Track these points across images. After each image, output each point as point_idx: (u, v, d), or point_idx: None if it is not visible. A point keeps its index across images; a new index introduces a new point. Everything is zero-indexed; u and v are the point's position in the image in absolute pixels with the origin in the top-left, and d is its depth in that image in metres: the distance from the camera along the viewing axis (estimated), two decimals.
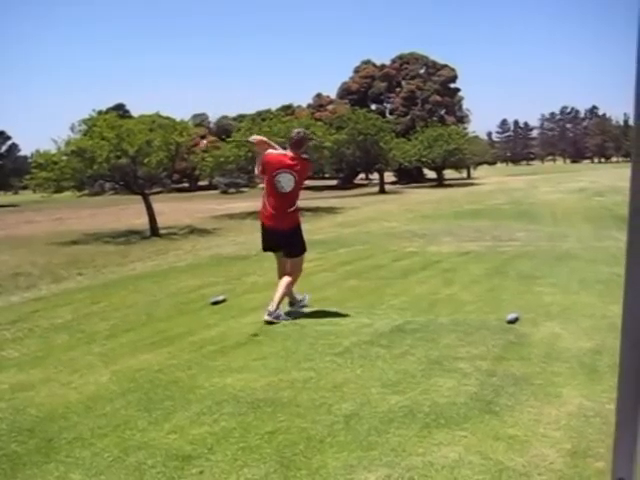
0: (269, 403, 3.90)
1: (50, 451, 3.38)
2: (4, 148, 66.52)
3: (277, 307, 6.14)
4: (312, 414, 3.69)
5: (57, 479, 3.04)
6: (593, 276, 8.20)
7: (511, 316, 5.75)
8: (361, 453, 3.15)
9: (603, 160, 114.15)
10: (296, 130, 6.64)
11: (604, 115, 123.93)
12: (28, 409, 4.05)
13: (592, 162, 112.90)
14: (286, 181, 6.24)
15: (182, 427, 3.60)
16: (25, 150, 74.37)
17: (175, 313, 7.02)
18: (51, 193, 23.52)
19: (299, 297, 6.67)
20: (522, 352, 4.81)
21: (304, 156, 6.45)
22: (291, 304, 6.56)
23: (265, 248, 6.61)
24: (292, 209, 6.36)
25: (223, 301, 7.27)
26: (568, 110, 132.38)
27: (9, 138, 66.69)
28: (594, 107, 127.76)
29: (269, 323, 5.98)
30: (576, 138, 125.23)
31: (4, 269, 14.08)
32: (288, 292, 6.39)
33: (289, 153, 6.33)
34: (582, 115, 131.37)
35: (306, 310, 6.55)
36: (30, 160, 34.06)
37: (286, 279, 6.31)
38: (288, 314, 6.29)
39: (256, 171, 6.53)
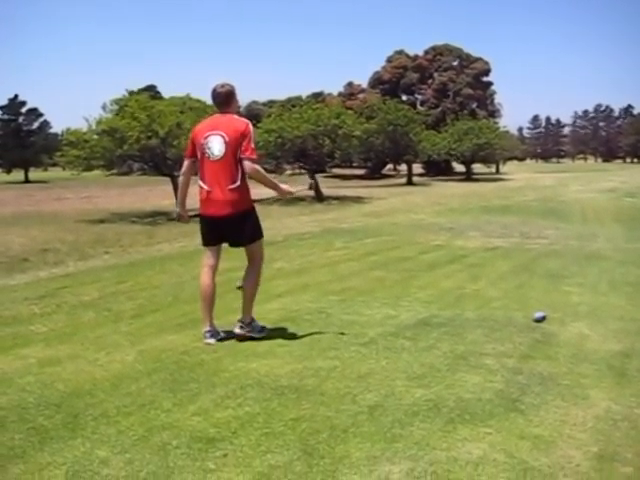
0: (293, 390, 3.90)
1: (76, 427, 3.41)
2: (36, 125, 67.32)
3: (250, 316, 5.14)
4: (336, 403, 3.68)
5: (83, 454, 3.07)
6: (622, 278, 8.09)
7: (538, 314, 5.68)
8: (385, 445, 3.14)
9: (636, 160, 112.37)
10: (220, 84, 5.16)
11: (639, 114, 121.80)
12: (55, 384, 4.09)
13: (624, 162, 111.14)
14: (214, 144, 4.94)
15: (206, 410, 3.61)
16: (56, 127, 75.21)
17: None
18: (80, 171, 23.80)
19: (259, 325, 5.23)
20: (549, 351, 4.76)
21: (236, 116, 5.17)
22: (241, 325, 5.12)
23: (204, 242, 5.27)
24: (234, 186, 4.92)
25: None
26: (602, 108, 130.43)
27: (41, 115, 67.52)
28: (629, 106, 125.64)
29: (241, 340, 5.05)
30: (609, 137, 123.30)
31: (33, 245, 14.30)
32: (256, 291, 5.21)
33: (218, 115, 5.17)
34: (616, 114, 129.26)
35: (332, 297, 6.54)
36: (61, 137, 34.41)
37: (250, 278, 5.18)
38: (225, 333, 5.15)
39: (185, 164, 5.32)
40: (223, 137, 4.92)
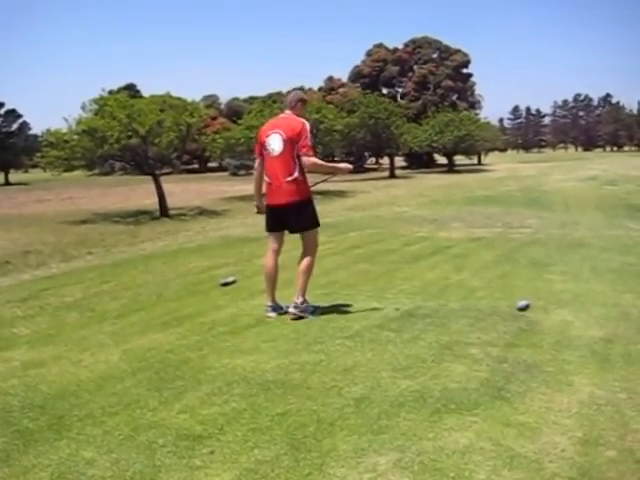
0: (279, 385, 3.90)
1: (61, 428, 3.39)
2: (15, 126, 66.36)
3: (303, 298, 5.57)
4: (322, 397, 3.68)
5: (69, 456, 3.06)
6: (605, 265, 8.15)
7: (522, 303, 5.72)
8: (372, 436, 3.15)
9: (615, 149, 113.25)
10: (295, 89, 5.89)
11: (618, 103, 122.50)
12: (39, 386, 4.07)
13: (604, 150, 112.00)
14: (274, 142, 5.56)
15: (193, 407, 3.60)
16: (36, 129, 74.47)
17: (185, 294, 7.03)
18: (61, 172, 23.61)
19: (311, 306, 5.67)
20: (533, 339, 4.79)
21: (295, 117, 5.67)
22: (295, 305, 5.57)
23: (267, 228, 5.83)
24: (291, 178, 5.48)
25: (233, 282, 7.27)
26: (581, 97, 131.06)
27: (20, 116, 66.58)
28: (608, 95, 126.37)
29: (297, 319, 5.47)
30: (588, 126, 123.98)
31: (15, 247, 14.17)
32: (309, 275, 5.64)
33: (282, 115, 5.83)
34: (595, 103, 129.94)
35: (317, 292, 6.54)
36: (41, 139, 34.08)
37: (304, 262, 5.61)
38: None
39: (256, 162, 5.88)
40: (281, 135, 5.53)
